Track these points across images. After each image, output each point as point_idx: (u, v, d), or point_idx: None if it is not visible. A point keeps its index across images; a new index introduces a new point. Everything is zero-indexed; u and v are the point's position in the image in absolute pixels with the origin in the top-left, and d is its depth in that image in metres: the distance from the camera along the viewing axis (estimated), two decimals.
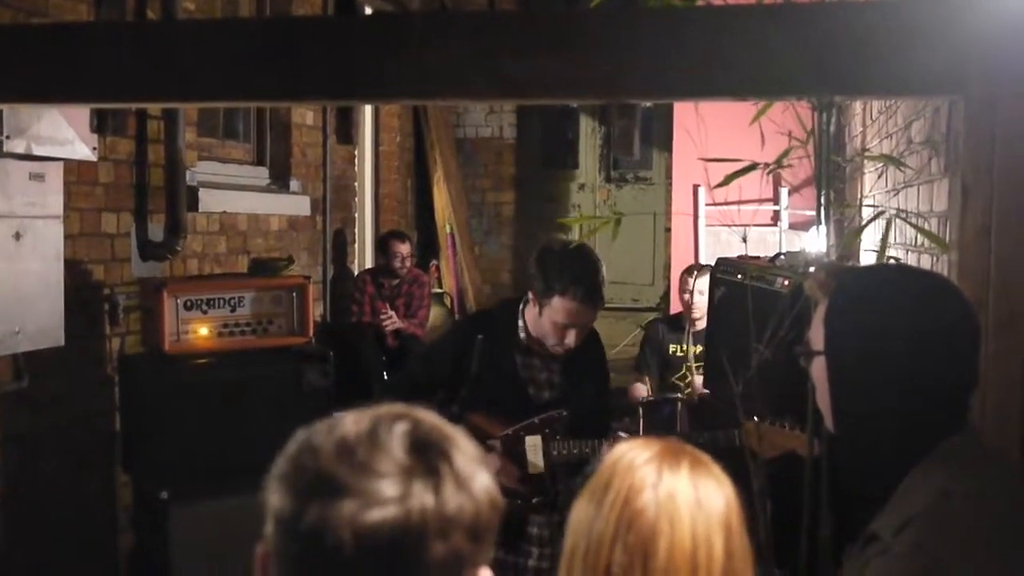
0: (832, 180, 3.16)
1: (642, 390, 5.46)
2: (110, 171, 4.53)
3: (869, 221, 3.84)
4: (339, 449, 1.07)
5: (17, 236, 3.59)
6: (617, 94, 2.41)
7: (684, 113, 6.68)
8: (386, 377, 6.56)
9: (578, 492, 1.48)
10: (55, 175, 3.79)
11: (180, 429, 4.16)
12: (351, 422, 1.10)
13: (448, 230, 9.03)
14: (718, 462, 1.50)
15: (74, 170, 4.15)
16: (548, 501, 3.15)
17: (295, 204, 6.51)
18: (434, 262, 8.97)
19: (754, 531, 2.75)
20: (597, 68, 2.29)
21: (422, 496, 1.04)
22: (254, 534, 1.13)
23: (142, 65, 2.47)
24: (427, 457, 1.07)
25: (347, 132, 7.51)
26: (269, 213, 6.20)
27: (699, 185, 7.17)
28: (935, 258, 3.04)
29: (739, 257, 4.20)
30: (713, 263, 4.42)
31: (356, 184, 7.88)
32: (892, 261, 3.08)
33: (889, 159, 3.64)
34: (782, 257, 4.09)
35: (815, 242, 3.32)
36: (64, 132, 3.68)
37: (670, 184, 8.45)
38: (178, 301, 4.36)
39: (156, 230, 4.82)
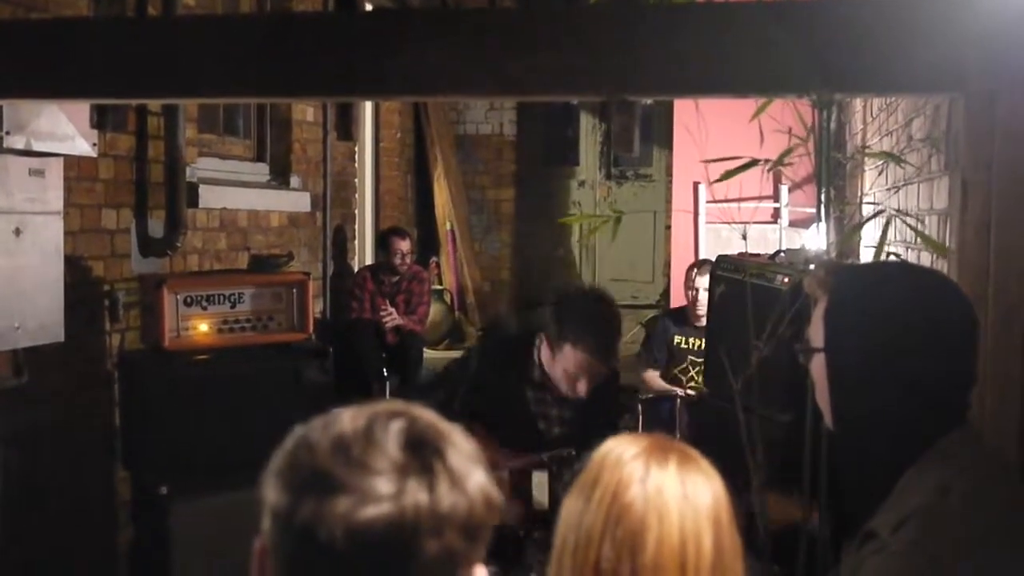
0: (832, 177, 3.16)
1: (656, 379, 5.47)
2: (110, 167, 4.53)
3: (867, 220, 3.84)
4: (335, 446, 1.07)
5: (17, 232, 3.59)
6: (617, 91, 2.41)
7: (684, 110, 6.68)
8: (386, 374, 6.56)
9: (568, 489, 1.48)
10: (55, 171, 3.79)
11: (180, 425, 4.16)
12: (348, 419, 1.10)
13: (448, 227, 9.03)
14: (715, 458, 1.50)
15: (74, 166, 4.14)
16: (547, 537, 3.08)
17: (295, 200, 6.51)
18: (434, 259, 8.98)
19: (752, 528, 2.76)
20: (597, 65, 2.29)
21: (416, 494, 1.04)
22: (254, 530, 1.13)
23: (142, 61, 2.47)
24: (422, 455, 1.07)
25: (347, 128, 7.48)
26: (269, 209, 6.20)
27: (699, 182, 7.16)
28: (935, 255, 3.04)
29: (739, 254, 4.20)
30: (713, 260, 4.41)
31: (356, 181, 7.88)
32: (892, 257, 3.08)
33: (889, 156, 3.63)
34: (782, 254, 4.08)
35: (815, 239, 3.32)
36: (64, 128, 3.67)
37: (670, 181, 8.44)
38: (178, 297, 4.36)
39: (156, 226, 4.82)
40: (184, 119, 4.88)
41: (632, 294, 9.50)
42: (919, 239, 2.87)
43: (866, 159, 4.70)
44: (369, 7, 7.49)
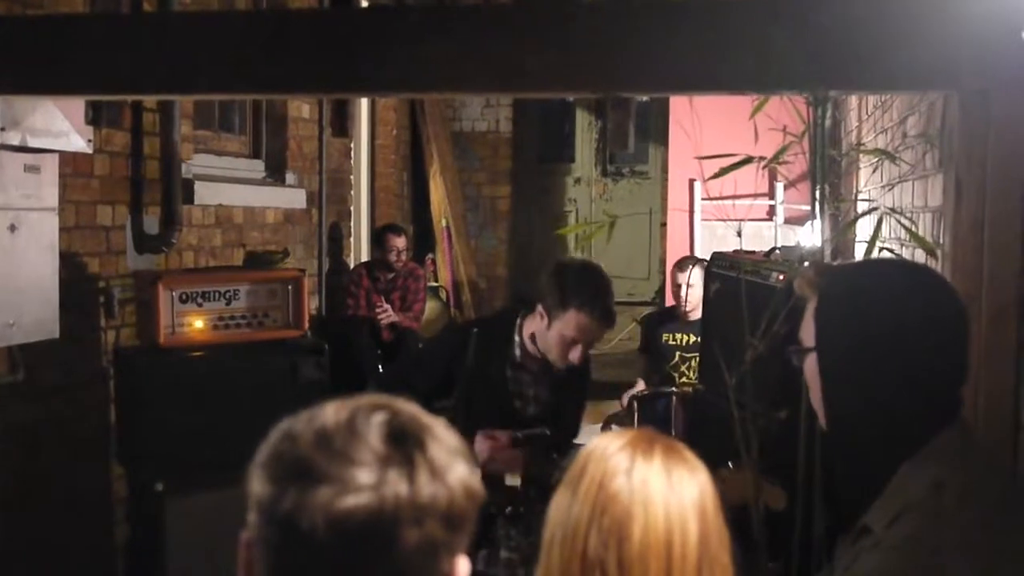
0: (827, 175, 3.16)
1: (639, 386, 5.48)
2: (105, 163, 4.52)
3: (858, 217, 3.85)
4: (318, 437, 1.09)
5: (12, 228, 3.59)
6: (612, 87, 2.41)
7: (680, 108, 6.68)
8: (380, 371, 6.56)
9: (556, 486, 1.50)
10: (50, 167, 3.78)
11: (175, 422, 4.16)
12: (331, 412, 1.12)
13: (444, 224, 9.03)
14: (710, 454, 1.51)
15: (69, 162, 4.14)
16: (518, 513, 3.20)
17: (291, 197, 6.50)
18: (430, 256, 8.98)
19: (747, 524, 2.77)
20: (592, 61, 2.30)
21: (396, 484, 1.06)
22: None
23: (137, 57, 2.47)
24: (403, 446, 1.09)
25: (343, 125, 7.51)
26: (265, 206, 6.19)
27: (695, 179, 7.17)
28: (926, 255, 3.04)
29: (734, 251, 4.20)
30: (708, 257, 4.42)
31: (352, 177, 7.88)
32: (886, 254, 3.09)
33: (884, 154, 3.63)
34: (777, 251, 4.09)
35: (810, 236, 3.33)
36: (59, 124, 3.67)
37: (666, 178, 8.46)
38: (173, 294, 4.35)
39: (151, 223, 4.82)
40: (179, 116, 4.87)
41: (628, 291, 9.51)
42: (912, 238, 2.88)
43: (861, 156, 4.70)
44: (365, 3, 7.49)
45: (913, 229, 2.91)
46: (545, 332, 3.19)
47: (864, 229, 4.10)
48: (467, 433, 3.02)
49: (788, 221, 6.99)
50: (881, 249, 3.02)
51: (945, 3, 2.15)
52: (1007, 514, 1.54)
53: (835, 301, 1.68)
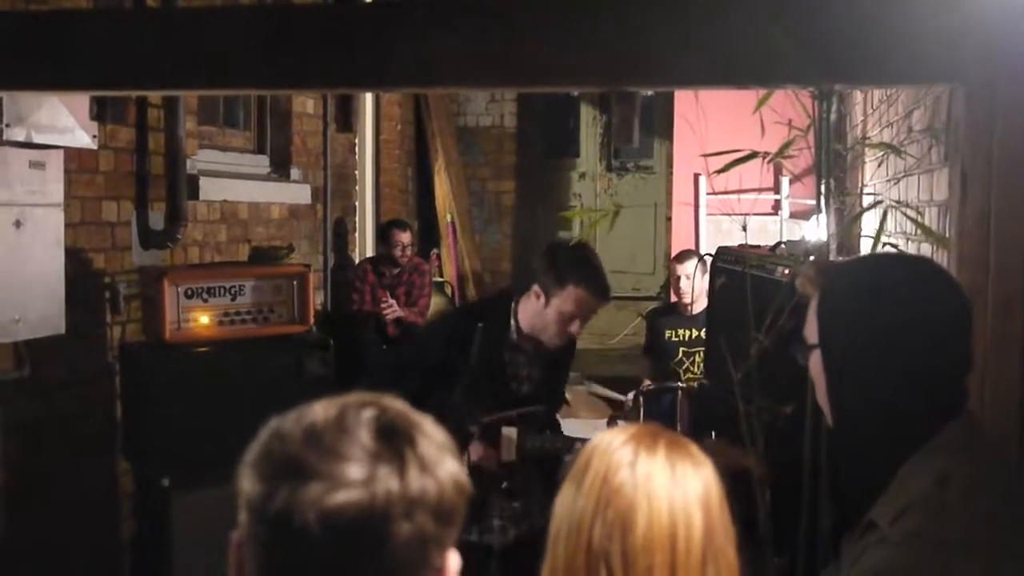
0: (832, 169, 3.16)
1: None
2: (110, 159, 4.53)
3: (864, 210, 3.84)
4: (307, 435, 1.10)
5: (18, 224, 3.59)
6: (617, 82, 2.41)
7: (685, 102, 6.67)
8: (374, 366, 6.56)
9: (561, 481, 1.50)
10: (55, 163, 3.79)
11: (181, 417, 4.16)
12: (320, 409, 1.13)
13: (449, 219, 9.03)
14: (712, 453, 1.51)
15: (74, 158, 4.14)
16: (514, 488, 3.35)
17: (296, 192, 6.50)
18: (435, 251, 8.98)
19: (753, 519, 2.77)
20: (597, 56, 2.29)
21: (387, 479, 1.07)
22: None
23: (142, 53, 2.46)
24: (393, 442, 1.10)
25: (347, 120, 7.50)
26: (270, 201, 6.20)
27: (700, 174, 7.16)
28: (934, 246, 3.04)
29: (739, 246, 4.20)
30: (713, 252, 4.42)
31: (357, 173, 7.88)
32: (890, 248, 3.08)
33: (890, 147, 3.63)
34: (783, 246, 4.08)
35: (816, 231, 3.33)
36: (64, 120, 3.67)
37: (671, 173, 8.45)
38: (179, 289, 4.36)
39: (157, 218, 4.82)
40: (184, 111, 4.88)
41: (633, 286, 9.51)
42: (919, 230, 2.87)
43: (866, 150, 4.70)
44: None
45: (920, 221, 2.91)
46: (542, 311, 3.28)
47: (869, 223, 4.10)
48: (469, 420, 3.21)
49: (793, 215, 6.98)
50: (885, 244, 3.02)
51: None
52: (1013, 508, 1.54)
53: (837, 298, 1.68)
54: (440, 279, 8.77)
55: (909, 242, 3.52)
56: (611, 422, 4.62)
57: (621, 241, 9.38)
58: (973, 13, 2.10)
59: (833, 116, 3.08)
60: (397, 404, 1.16)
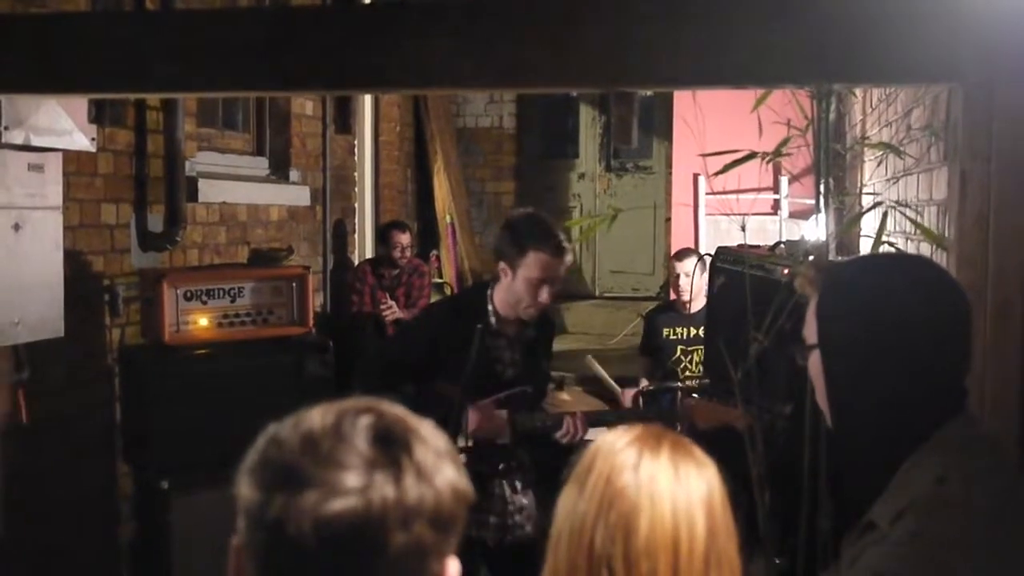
0: (832, 168, 3.16)
1: (629, 394, 5.45)
2: (109, 162, 4.52)
3: (865, 211, 3.84)
4: (304, 442, 1.09)
5: (16, 227, 3.59)
6: (615, 82, 2.41)
7: (684, 102, 6.68)
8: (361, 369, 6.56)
9: (564, 482, 1.49)
10: (54, 166, 3.78)
11: (180, 420, 4.16)
12: (317, 416, 1.12)
13: (448, 220, 9.03)
14: (715, 452, 1.51)
15: (73, 161, 4.14)
16: (511, 468, 3.54)
17: (295, 194, 6.50)
18: (434, 252, 8.97)
19: (753, 520, 2.77)
20: (595, 56, 2.29)
21: (383, 487, 1.06)
22: None
23: (140, 55, 2.46)
24: (389, 449, 1.09)
25: (346, 122, 7.50)
26: (269, 203, 6.19)
27: (699, 174, 7.17)
28: (934, 246, 3.04)
29: (739, 246, 4.20)
30: (712, 252, 4.42)
31: (356, 174, 7.88)
32: (889, 248, 3.08)
33: (889, 147, 3.63)
34: (782, 246, 4.09)
35: (815, 230, 3.32)
36: (63, 122, 3.67)
37: (670, 173, 8.45)
38: (178, 292, 4.36)
39: (156, 221, 4.82)
40: (183, 113, 4.87)
41: (632, 286, 9.51)
42: (918, 230, 2.87)
43: (865, 150, 4.70)
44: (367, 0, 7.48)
45: (919, 221, 2.91)
46: (512, 285, 3.41)
47: (869, 224, 4.09)
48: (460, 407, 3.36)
49: (792, 215, 6.99)
50: (884, 243, 3.02)
51: None
52: (1013, 507, 1.53)
53: (836, 298, 1.68)
54: (439, 280, 8.77)
55: (908, 242, 3.52)
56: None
57: (621, 242, 9.38)
58: (971, 13, 2.10)
59: (832, 115, 3.08)
60: (395, 410, 1.15)
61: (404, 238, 7.00)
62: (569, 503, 1.44)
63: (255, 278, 4.64)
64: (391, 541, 1.05)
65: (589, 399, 5.12)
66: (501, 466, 3.51)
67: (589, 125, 9.87)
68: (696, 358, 5.31)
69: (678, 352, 5.44)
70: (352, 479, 1.05)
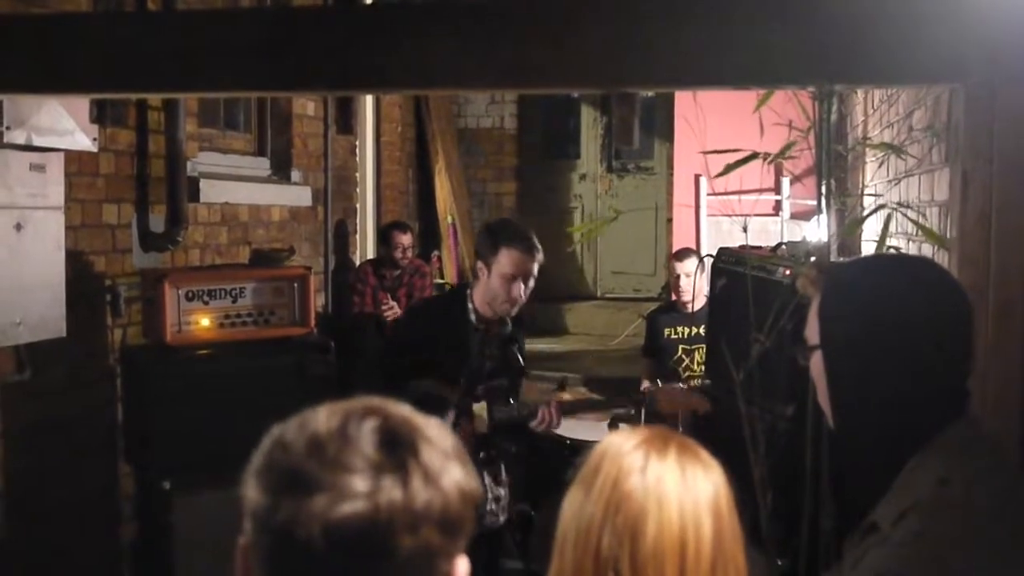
0: (833, 169, 3.15)
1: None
2: (111, 162, 4.53)
3: (869, 214, 3.84)
4: (310, 445, 1.08)
5: (18, 227, 3.59)
6: (616, 83, 2.41)
7: (685, 103, 6.68)
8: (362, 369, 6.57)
9: (569, 483, 1.49)
10: (56, 166, 3.78)
11: (182, 420, 4.16)
12: (322, 418, 1.11)
13: (450, 220, 9.03)
14: (717, 453, 1.51)
15: (75, 161, 4.14)
16: (491, 457, 3.77)
17: (296, 195, 6.50)
18: (436, 252, 8.97)
19: (755, 521, 2.76)
20: (597, 57, 2.29)
21: (390, 491, 1.05)
22: None
23: (142, 55, 2.46)
24: (396, 452, 1.08)
25: (347, 122, 7.51)
26: (270, 204, 6.19)
27: (700, 175, 7.17)
28: (935, 247, 3.04)
29: (740, 247, 4.19)
30: (714, 253, 4.41)
31: (357, 175, 7.88)
32: (892, 251, 3.08)
33: (891, 148, 3.63)
34: (783, 247, 4.08)
35: (817, 231, 3.32)
36: (64, 123, 3.67)
37: (671, 174, 8.45)
38: (179, 292, 4.36)
39: (157, 221, 4.82)
40: (184, 114, 4.87)
41: (634, 287, 9.51)
42: (920, 231, 2.87)
43: (867, 151, 4.70)
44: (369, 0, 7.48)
45: (922, 223, 2.90)
46: (488, 282, 3.70)
47: (870, 225, 4.09)
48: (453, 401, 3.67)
49: (794, 216, 6.98)
50: (888, 247, 3.02)
51: None
52: (1014, 508, 1.53)
53: (838, 299, 1.68)
54: (441, 281, 8.76)
55: (910, 243, 3.52)
56: (612, 423, 4.62)
57: (622, 242, 9.38)
58: (973, 14, 2.10)
59: (834, 116, 3.08)
60: (401, 411, 1.14)
61: (405, 239, 7.00)
62: (575, 505, 1.44)
63: (256, 278, 4.64)
64: (399, 545, 1.05)
65: (593, 402, 5.12)
66: (481, 455, 3.70)
67: (590, 126, 9.87)
68: (698, 356, 5.31)
69: (679, 351, 5.44)
70: (359, 483, 1.05)
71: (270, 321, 4.61)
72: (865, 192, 4.74)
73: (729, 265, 4.07)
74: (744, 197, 5.15)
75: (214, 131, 5.86)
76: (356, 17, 2.46)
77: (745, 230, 3.98)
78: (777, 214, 7.00)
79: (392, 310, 6.78)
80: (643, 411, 4.83)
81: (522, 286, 3.69)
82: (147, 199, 4.76)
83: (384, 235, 7.16)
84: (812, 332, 1.71)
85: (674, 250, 6.67)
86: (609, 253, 9.65)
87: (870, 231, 4.11)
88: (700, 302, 5.22)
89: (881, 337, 1.59)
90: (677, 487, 1.40)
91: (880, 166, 4.45)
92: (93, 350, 4.45)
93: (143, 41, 2.48)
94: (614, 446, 1.46)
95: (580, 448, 4.70)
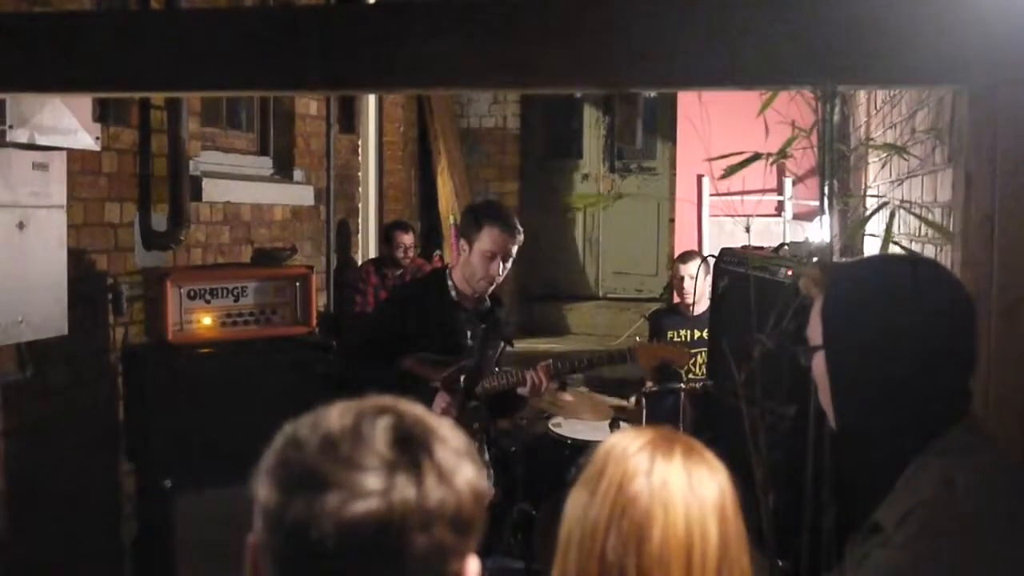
0: (836, 170, 3.15)
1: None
2: (113, 161, 4.53)
3: (873, 212, 3.83)
4: (323, 443, 1.08)
5: (21, 226, 3.60)
6: (620, 83, 2.41)
7: (688, 103, 6.67)
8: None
9: (571, 483, 1.48)
10: (58, 165, 3.79)
11: (183, 419, 4.17)
12: (335, 416, 1.11)
13: (452, 220, 9.02)
14: (719, 453, 1.50)
15: (77, 160, 4.14)
16: (484, 427, 3.89)
17: (298, 194, 6.50)
18: (437, 252, 8.97)
19: (756, 521, 2.76)
20: (599, 57, 2.29)
21: (404, 489, 1.05)
22: None
23: (145, 54, 2.46)
24: (410, 451, 1.08)
25: (350, 122, 7.50)
26: (272, 203, 6.19)
27: (703, 175, 7.16)
28: (939, 248, 3.04)
29: (743, 247, 4.19)
30: (716, 253, 4.41)
31: (360, 174, 7.88)
32: (896, 250, 3.07)
33: (893, 149, 3.63)
34: (786, 247, 4.08)
35: (819, 232, 3.32)
36: (67, 121, 3.68)
37: (674, 174, 8.44)
38: (181, 291, 4.36)
39: (159, 220, 4.82)
40: (187, 113, 4.87)
41: (636, 287, 9.49)
42: (923, 231, 2.87)
43: (870, 151, 4.69)
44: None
45: (927, 218, 2.90)
46: (468, 259, 3.89)
47: (873, 225, 4.09)
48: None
49: (797, 217, 6.97)
50: (892, 245, 3.01)
51: None
52: (1018, 509, 1.53)
53: (841, 299, 1.68)
54: None
55: (913, 243, 3.52)
56: (614, 424, 4.61)
57: (624, 242, 9.37)
58: (976, 15, 2.09)
59: (836, 117, 3.08)
60: (414, 409, 1.14)
61: (407, 238, 7.00)
62: (579, 507, 1.43)
63: (258, 277, 4.65)
64: (412, 543, 1.04)
65: (594, 399, 5.11)
66: (475, 425, 3.78)
67: (593, 126, 9.86)
68: (700, 360, 5.31)
69: None
70: (373, 481, 1.04)
71: (272, 320, 4.61)
72: (868, 193, 4.73)
73: (731, 266, 4.07)
74: (747, 198, 5.14)
75: (216, 130, 5.86)
76: (359, 16, 2.46)
77: (748, 230, 3.98)
78: (780, 215, 6.99)
79: None
80: (643, 406, 4.84)
81: (501, 264, 3.90)
82: (149, 198, 4.77)
83: (386, 235, 7.16)
84: (815, 333, 1.71)
85: (678, 251, 6.67)
86: (611, 253, 9.64)
87: (871, 230, 4.10)
88: (703, 305, 5.22)
89: (885, 339, 1.59)
90: (683, 490, 1.39)
91: (883, 167, 4.44)
92: (95, 349, 4.45)
93: (146, 40, 2.48)
94: (619, 447, 1.45)
95: (581, 448, 4.75)
